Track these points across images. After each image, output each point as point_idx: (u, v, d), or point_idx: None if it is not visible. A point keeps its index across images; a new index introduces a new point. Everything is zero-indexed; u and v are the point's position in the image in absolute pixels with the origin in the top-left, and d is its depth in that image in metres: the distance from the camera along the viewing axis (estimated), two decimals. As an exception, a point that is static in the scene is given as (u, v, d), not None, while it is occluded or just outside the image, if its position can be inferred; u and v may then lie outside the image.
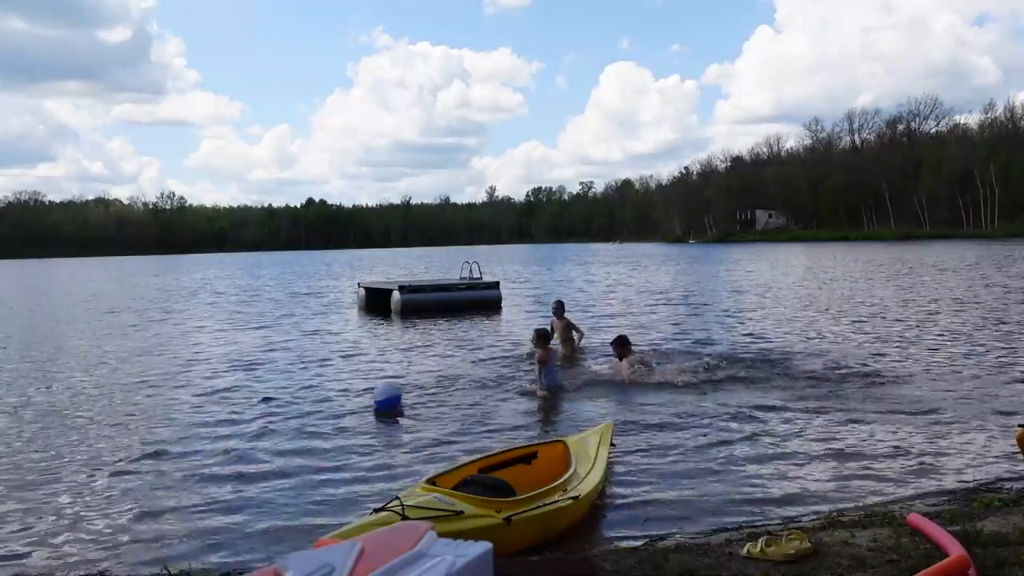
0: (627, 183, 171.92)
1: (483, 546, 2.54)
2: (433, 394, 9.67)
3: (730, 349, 12.80)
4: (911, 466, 6.34)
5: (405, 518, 4.12)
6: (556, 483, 5.08)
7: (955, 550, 3.86)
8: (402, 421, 8.39)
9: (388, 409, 8.52)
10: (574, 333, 12.97)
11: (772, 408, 8.43)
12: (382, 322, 19.42)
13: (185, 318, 21.86)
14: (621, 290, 28.09)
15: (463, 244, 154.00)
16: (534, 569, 3.88)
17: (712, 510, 5.47)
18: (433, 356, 13.01)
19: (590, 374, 10.71)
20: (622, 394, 9.41)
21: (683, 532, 5.06)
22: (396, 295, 21.10)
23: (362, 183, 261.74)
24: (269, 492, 6.09)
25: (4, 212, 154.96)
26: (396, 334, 16.80)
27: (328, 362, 12.74)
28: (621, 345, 10.77)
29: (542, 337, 9.49)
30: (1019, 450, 6.04)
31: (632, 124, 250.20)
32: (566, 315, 13.09)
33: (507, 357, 12.34)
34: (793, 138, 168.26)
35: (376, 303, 22.31)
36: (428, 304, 20.99)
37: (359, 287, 24.69)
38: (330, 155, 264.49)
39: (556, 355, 9.64)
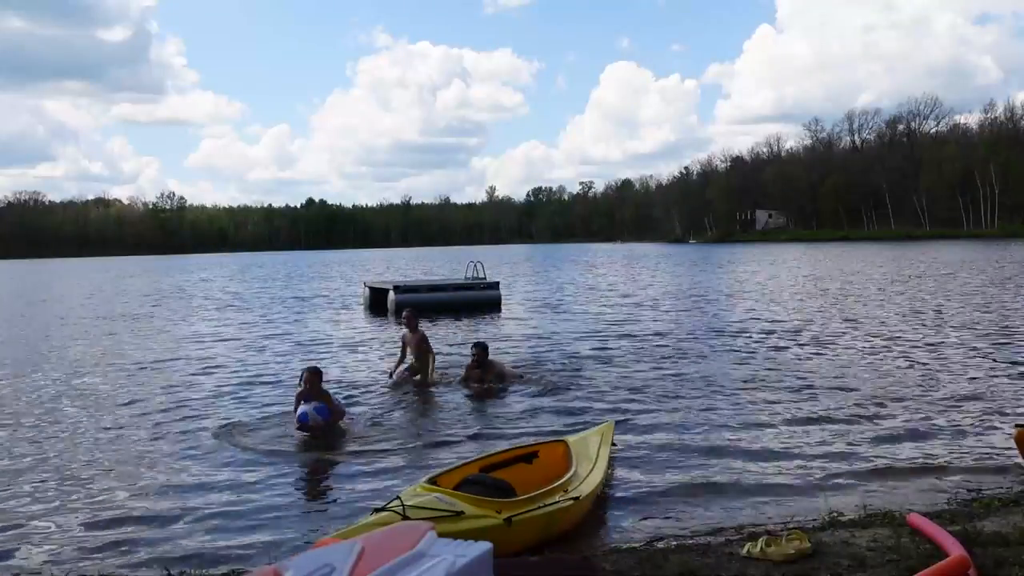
0: (627, 183, 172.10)
1: (483, 546, 2.54)
2: (430, 394, 9.68)
3: (728, 349, 12.81)
4: (911, 466, 6.35)
5: (406, 518, 4.12)
6: (557, 483, 5.08)
7: (955, 550, 3.86)
8: (399, 422, 8.39)
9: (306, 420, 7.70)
10: (431, 352, 10.72)
11: (772, 409, 8.44)
12: (384, 322, 19.41)
13: (188, 320, 21.85)
14: (639, 291, 28.08)
15: (463, 244, 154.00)
16: (534, 569, 3.87)
17: (712, 510, 5.47)
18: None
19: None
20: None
21: (683, 532, 5.06)
22: (391, 295, 21.07)
23: (362, 183, 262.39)
24: (269, 492, 6.09)
25: (4, 212, 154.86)
26: (393, 333, 16.76)
27: (329, 361, 12.72)
28: (478, 351, 10.01)
29: (312, 374, 7.97)
30: (1018, 450, 6.05)
31: (632, 124, 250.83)
32: (420, 328, 10.86)
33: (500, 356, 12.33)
34: (793, 138, 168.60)
35: (380, 303, 22.31)
36: (424, 304, 20.89)
37: (364, 287, 24.73)
38: (330, 155, 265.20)
39: (333, 403, 7.98)
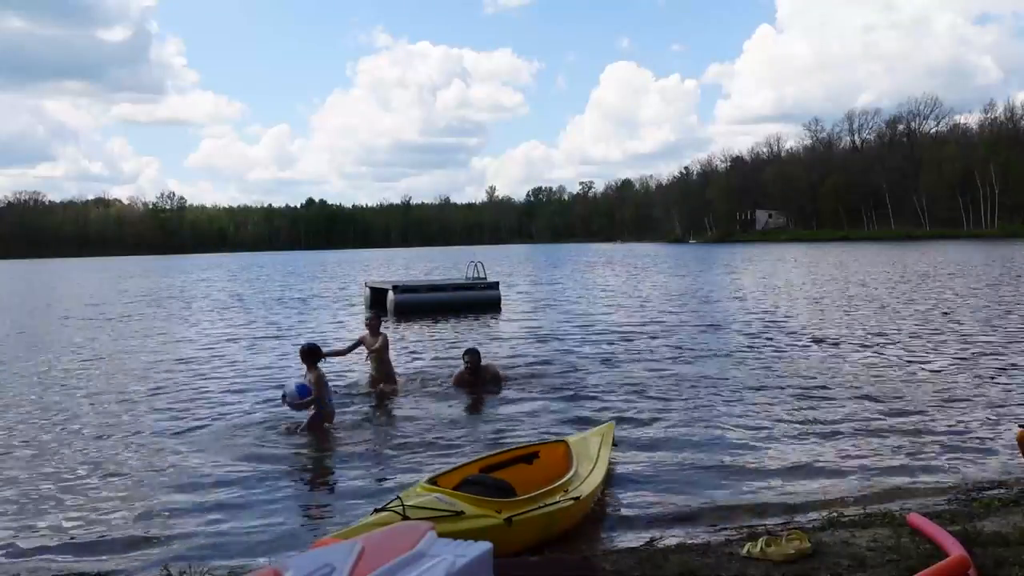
0: (627, 183, 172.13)
1: (483, 546, 2.54)
2: (431, 394, 9.67)
3: (728, 350, 12.81)
4: (911, 466, 6.35)
5: (406, 518, 4.12)
6: (557, 483, 5.08)
7: (955, 550, 3.86)
8: (398, 423, 8.38)
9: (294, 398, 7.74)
10: (390, 353, 10.32)
11: (772, 409, 8.44)
12: (384, 322, 19.37)
13: (187, 320, 21.84)
14: (638, 291, 28.07)
15: (463, 244, 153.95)
16: (534, 569, 3.87)
17: (712, 510, 5.47)
18: (431, 355, 13.00)
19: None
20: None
21: (683, 532, 5.06)
22: (390, 295, 21.05)
23: (362, 183, 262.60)
24: (269, 492, 6.09)
25: (4, 212, 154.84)
26: (392, 334, 16.77)
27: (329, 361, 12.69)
28: (471, 358, 9.86)
29: (308, 354, 8.04)
30: (1019, 450, 6.05)
31: (632, 124, 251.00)
32: (382, 331, 10.24)
33: (498, 357, 12.33)
34: (793, 138, 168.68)
35: (380, 303, 22.30)
36: (423, 304, 20.90)
37: (365, 286, 24.75)
38: (330, 155, 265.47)
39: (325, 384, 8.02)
